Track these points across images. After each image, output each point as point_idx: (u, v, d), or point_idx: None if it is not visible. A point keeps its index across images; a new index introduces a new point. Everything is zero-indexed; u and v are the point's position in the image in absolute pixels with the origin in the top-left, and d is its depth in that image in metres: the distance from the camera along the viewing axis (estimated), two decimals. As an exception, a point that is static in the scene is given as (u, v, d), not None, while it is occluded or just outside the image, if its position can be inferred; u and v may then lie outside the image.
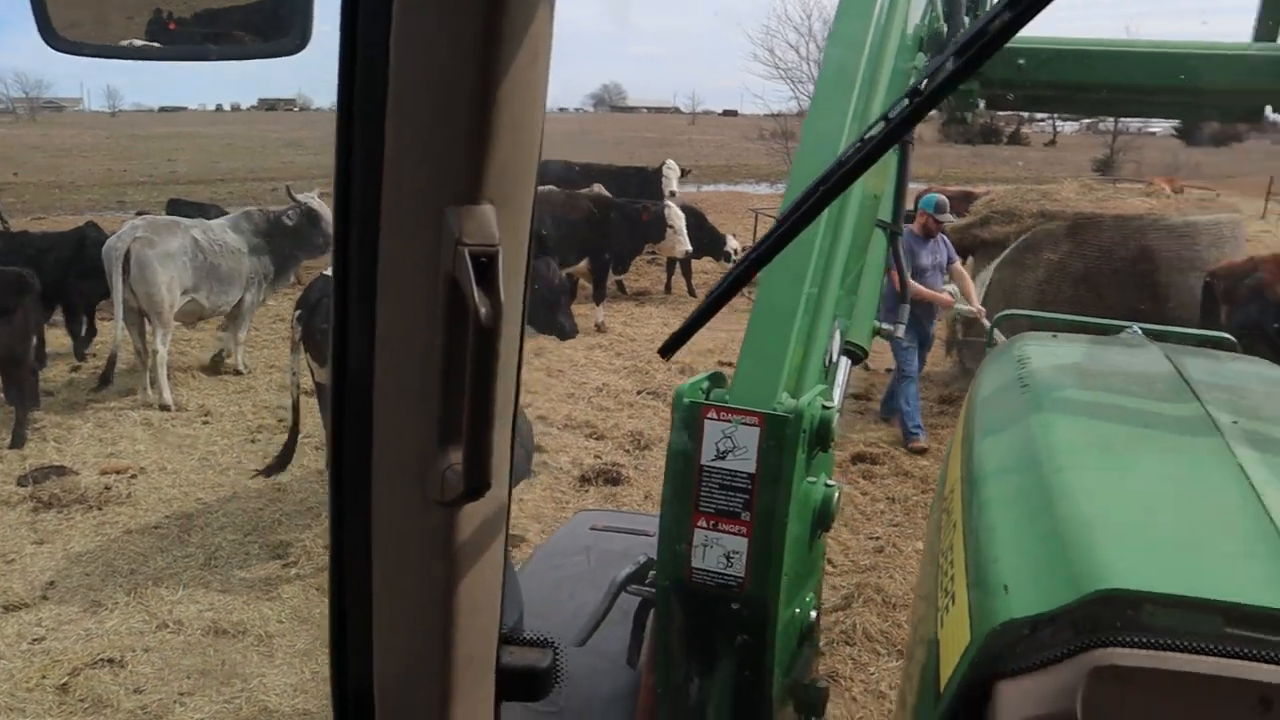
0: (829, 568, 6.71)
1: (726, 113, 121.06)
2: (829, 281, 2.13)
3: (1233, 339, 4.73)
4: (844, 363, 2.57)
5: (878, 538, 7.19)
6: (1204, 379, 2.71)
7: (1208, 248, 10.16)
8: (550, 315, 8.31)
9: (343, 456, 0.98)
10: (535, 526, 7.16)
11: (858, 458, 8.64)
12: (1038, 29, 5.12)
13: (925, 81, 1.24)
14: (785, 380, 1.91)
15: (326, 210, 13.27)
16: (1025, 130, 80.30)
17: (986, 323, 7.89)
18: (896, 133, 1.29)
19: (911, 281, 8.09)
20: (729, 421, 1.82)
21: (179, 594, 6.14)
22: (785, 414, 1.82)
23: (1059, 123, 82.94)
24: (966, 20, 4.32)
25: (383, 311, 0.91)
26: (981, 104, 5.11)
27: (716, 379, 1.95)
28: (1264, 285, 8.55)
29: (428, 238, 0.87)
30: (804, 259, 2.04)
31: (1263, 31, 5.00)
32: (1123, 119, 49.28)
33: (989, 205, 11.15)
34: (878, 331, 2.75)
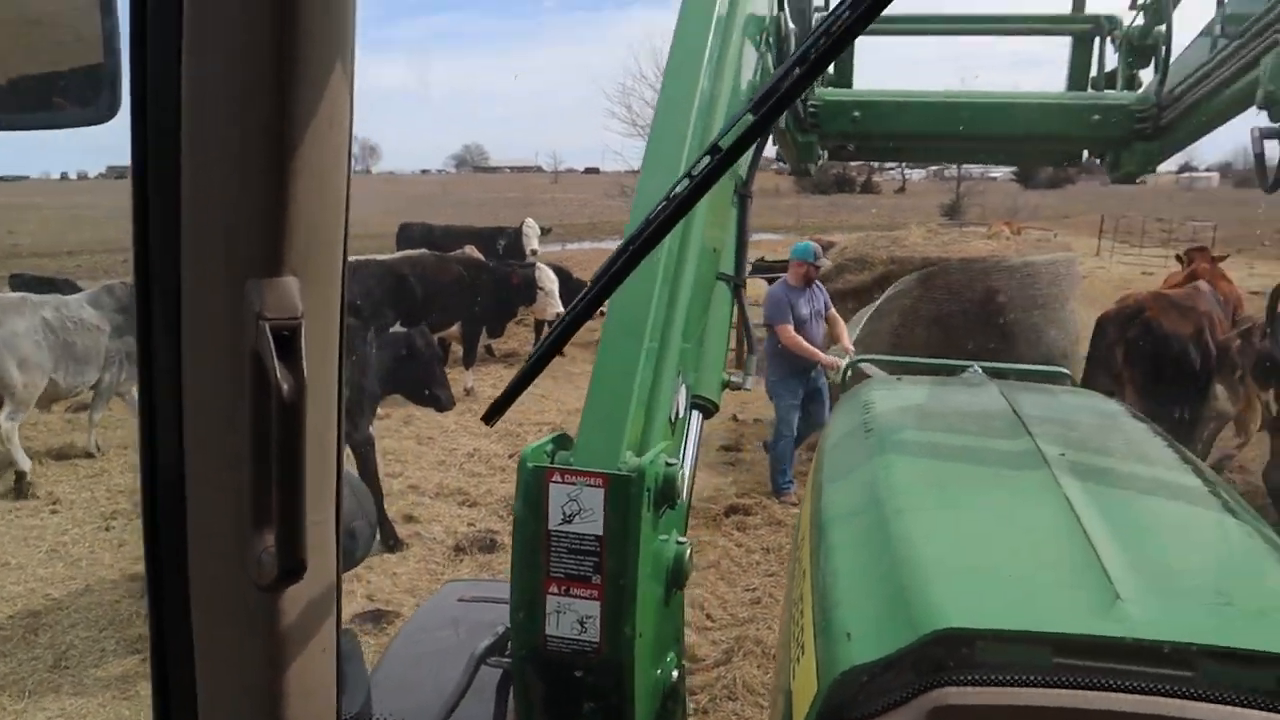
0: (708, 622, 6.73)
1: (589, 170, 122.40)
2: (670, 337, 2.16)
3: (1067, 372, 5.00)
4: (694, 417, 2.61)
5: (754, 589, 7.24)
6: (1036, 414, 2.85)
7: (1047, 286, 10.71)
8: (426, 387, 8.12)
9: (158, 541, 0.95)
10: (409, 601, 6.98)
11: (731, 510, 8.71)
12: (873, 82, 5.36)
13: (724, 138, 1.30)
14: (628, 439, 1.92)
15: None
16: (876, 179, 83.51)
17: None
18: (700, 189, 1.34)
19: (796, 337, 8.28)
20: (574, 484, 1.82)
21: (23, 703, 5.76)
22: (629, 473, 1.82)
23: (907, 170, 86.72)
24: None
25: (188, 389, 0.89)
26: (824, 156, 5.32)
27: (562, 441, 1.95)
28: (1151, 322, 8.90)
29: (229, 312, 0.85)
30: (641, 317, 2.07)
31: (1073, 82, 5.37)
32: (965, 165, 51.81)
33: (842, 254, 11.54)
34: (727, 384, 2.80)
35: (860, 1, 1.13)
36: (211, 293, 0.86)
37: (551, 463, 1.89)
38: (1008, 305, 10.27)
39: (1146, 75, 4.81)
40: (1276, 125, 2.73)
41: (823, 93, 4.78)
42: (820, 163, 5.11)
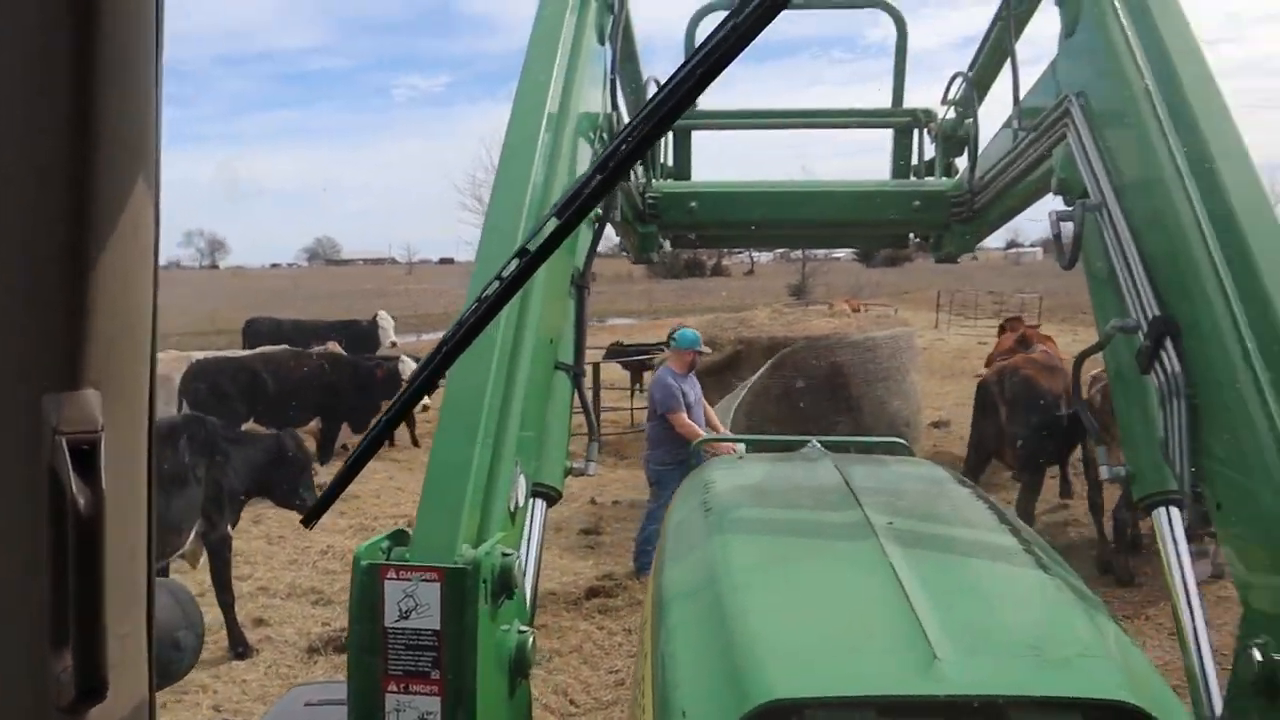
0: (571, 708, 6.64)
1: (443, 261, 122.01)
2: (506, 427, 2.18)
3: (903, 442, 5.22)
4: (537, 505, 2.64)
5: (618, 670, 7.19)
6: (867, 485, 2.98)
7: (888, 359, 11.16)
8: (295, 490, 7.91)
9: None
10: (259, 709, 6.66)
11: (592, 592, 8.66)
12: (710, 168, 5.55)
13: (531, 241, 1.36)
14: (465, 531, 1.92)
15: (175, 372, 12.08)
16: (726, 262, 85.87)
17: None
18: (509, 291, 1.39)
19: (691, 424, 8.29)
20: (409, 579, 1.82)
21: None
22: (464, 565, 1.83)
23: (755, 254, 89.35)
24: (638, 168, 4.66)
25: None
26: (665, 245, 5.47)
27: (398, 537, 1.94)
28: (1029, 381, 9.37)
29: (25, 427, 0.83)
30: (475, 409, 2.09)
31: (896, 170, 5.71)
32: (809, 248, 53.80)
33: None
34: (570, 470, 2.84)
35: (654, 115, 1.21)
36: (7, 407, 0.85)
37: (387, 559, 1.88)
38: (852, 379, 10.65)
39: (962, 163, 5.12)
40: (1069, 209, 2.96)
41: (660, 185, 4.95)
42: (662, 250, 5.26)
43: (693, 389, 8.69)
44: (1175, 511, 2.55)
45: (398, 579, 1.81)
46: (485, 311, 1.41)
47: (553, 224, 1.32)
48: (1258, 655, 1.99)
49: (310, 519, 1.58)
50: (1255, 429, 2.07)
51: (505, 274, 1.40)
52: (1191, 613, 2.40)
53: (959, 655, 1.73)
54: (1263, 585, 2.05)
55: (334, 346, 16.42)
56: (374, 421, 1.78)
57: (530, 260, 1.36)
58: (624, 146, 1.27)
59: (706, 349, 9.07)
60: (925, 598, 1.96)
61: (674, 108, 1.21)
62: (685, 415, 8.33)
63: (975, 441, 10.04)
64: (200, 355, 13.70)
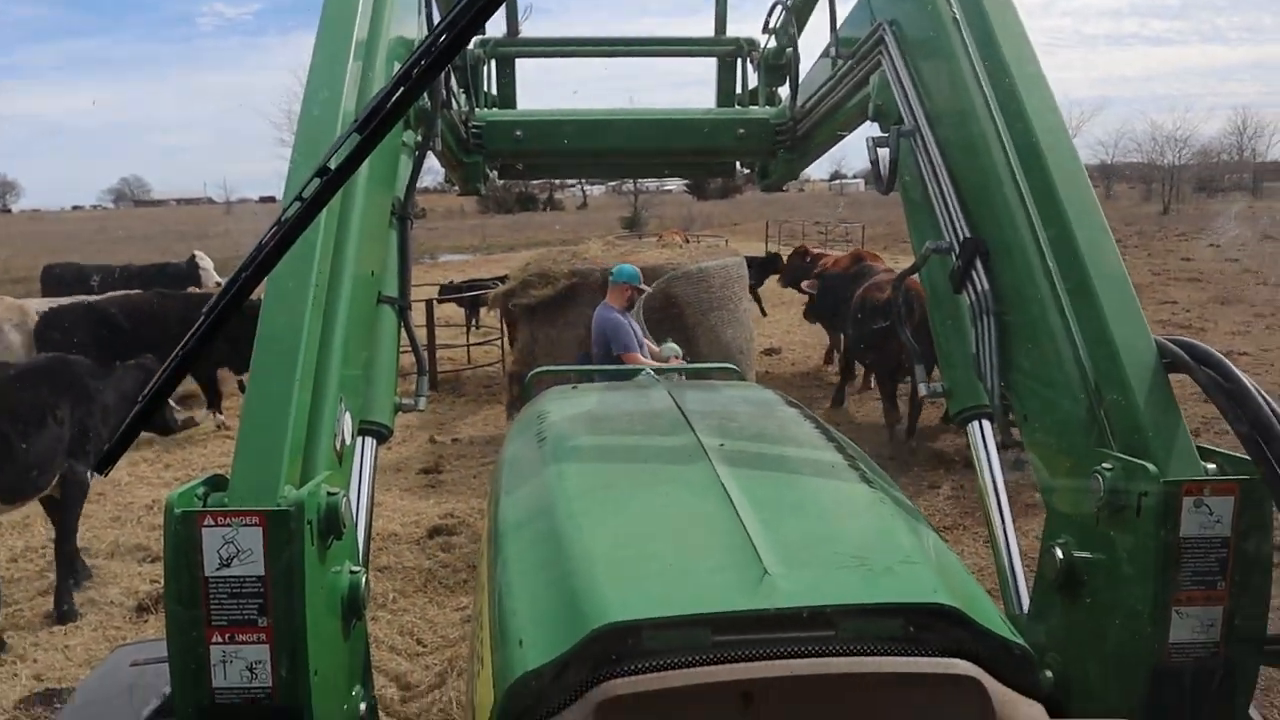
0: (419, 648, 6.60)
1: (264, 199, 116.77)
2: (327, 364, 2.10)
3: (735, 368, 5.34)
4: (367, 443, 2.57)
5: (464, 607, 7.19)
6: (698, 409, 3.02)
7: (720, 288, 11.32)
8: (160, 414, 7.35)
9: None
10: (86, 674, 6.36)
11: (434, 530, 8.60)
12: (539, 102, 5.46)
13: (333, 158, 1.29)
14: (287, 472, 1.85)
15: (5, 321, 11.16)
16: (560, 195, 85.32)
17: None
18: (311, 211, 1.32)
19: (639, 356, 8.06)
20: (228, 525, 1.73)
21: None
22: (287, 507, 1.76)
23: (589, 186, 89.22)
24: (460, 95, 4.54)
25: None
26: (494, 176, 5.36)
27: (215, 482, 1.85)
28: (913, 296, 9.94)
29: None
30: (291, 346, 2.00)
31: (721, 99, 5.73)
32: (642, 180, 53.94)
33: (525, 270, 11.66)
34: (399, 407, 2.77)
35: (456, 23, 1.16)
36: None
37: (204, 505, 1.79)
38: (686, 309, 10.77)
39: (784, 93, 5.17)
40: (885, 134, 3.03)
41: (484, 114, 4.83)
42: (488, 182, 5.15)
43: (636, 327, 8.38)
44: (987, 424, 2.69)
45: (216, 525, 1.73)
46: (285, 234, 1.34)
47: (355, 140, 1.26)
48: (1059, 554, 2.13)
49: (103, 465, 1.48)
50: (1056, 342, 2.19)
51: (306, 194, 1.32)
52: (1002, 518, 2.55)
53: (788, 569, 1.78)
54: (1064, 489, 2.19)
55: (203, 262, 15.52)
56: (167, 362, 1.67)
57: (332, 178, 1.30)
58: (425, 58, 1.21)
59: (645, 287, 8.76)
60: (756, 516, 2.00)
61: (477, 13, 1.16)
62: (639, 354, 7.94)
63: (861, 353, 11.45)
64: (41, 304, 12.76)
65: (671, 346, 8.30)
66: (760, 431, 2.97)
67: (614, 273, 8.52)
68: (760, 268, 16.80)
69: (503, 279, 15.46)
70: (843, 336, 13.34)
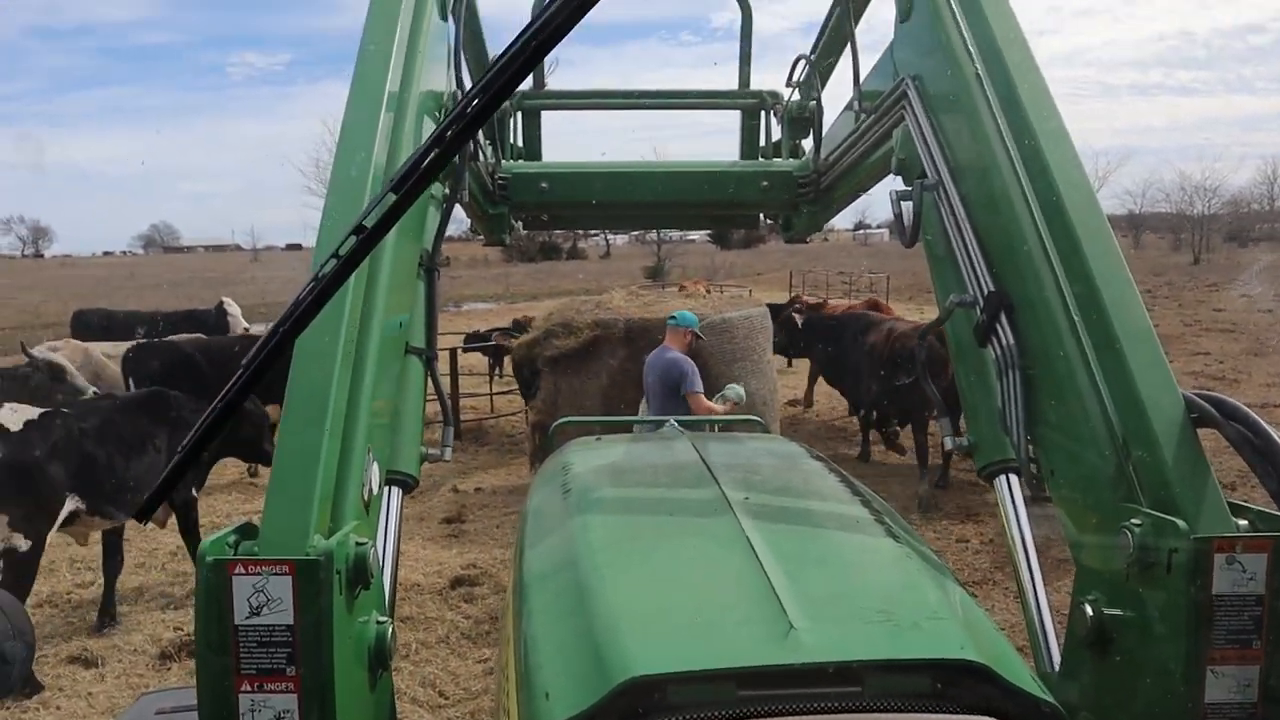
0: (441, 700, 6.57)
1: (290, 246, 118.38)
2: (355, 414, 2.13)
3: (759, 419, 5.34)
4: (393, 493, 2.59)
5: (486, 659, 7.16)
6: (724, 462, 3.03)
7: (744, 339, 11.32)
8: (260, 444, 8.73)
9: None
10: (109, 721, 6.36)
11: (457, 581, 8.58)
12: (564, 152, 5.53)
13: (368, 217, 1.33)
14: (316, 521, 1.87)
15: (70, 362, 11.54)
16: (583, 245, 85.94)
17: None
18: (346, 269, 1.35)
19: (712, 405, 8.16)
20: (259, 574, 1.75)
21: None
22: (317, 557, 1.78)
23: (612, 236, 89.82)
24: (487, 148, 4.62)
25: None
26: (518, 226, 5.43)
27: (246, 531, 1.87)
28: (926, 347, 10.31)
29: None
30: (321, 397, 2.03)
31: (745, 151, 5.79)
32: (665, 230, 54.18)
33: (549, 320, 11.73)
34: (425, 457, 2.80)
35: (490, 86, 1.20)
36: None
37: (234, 554, 1.81)
38: (709, 359, 10.78)
39: (808, 145, 5.21)
40: (908, 189, 3.04)
41: (510, 166, 4.90)
42: (514, 232, 5.21)
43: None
44: (1014, 478, 2.68)
45: (246, 574, 1.75)
46: (322, 290, 1.37)
47: (390, 199, 1.29)
48: (1089, 611, 2.11)
49: (144, 514, 1.51)
50: (1082, 398, 2.19)
51: (342, 251, 1.36)
52: (1031, 573, 2.53)
53: (814, 623, 1.78)
54: (1093, 545, 2.18)
55: (231, 309, 15.68)
56: (206, 412, 1.70)
57: (367, 237, 1.33)
58: (460, 121, 1.25)
59: (702, 335, 8.93)
60: (781, 569, 2.00)
61: (511, 78, 1.20)
62: (704, 397, 8.15)
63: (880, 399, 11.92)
64: (105, 346, 13.12)
65: (736, 389, 8.50)
66: (785, 484, 2.97)
67: (675, 317, 8.65)
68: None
69: (514, 330, 15.66)
70: (840, 385, 14.13)
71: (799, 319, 14.76)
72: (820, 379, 15.63)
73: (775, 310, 16.72)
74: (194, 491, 8.25)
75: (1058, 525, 2.38)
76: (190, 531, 8.23)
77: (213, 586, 1.76)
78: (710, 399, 8.23)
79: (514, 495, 11.09)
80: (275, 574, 1.75)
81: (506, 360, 17.33)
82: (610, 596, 1.93)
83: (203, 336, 13.90)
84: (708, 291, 15.56)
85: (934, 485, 11.08)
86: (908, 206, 3.01)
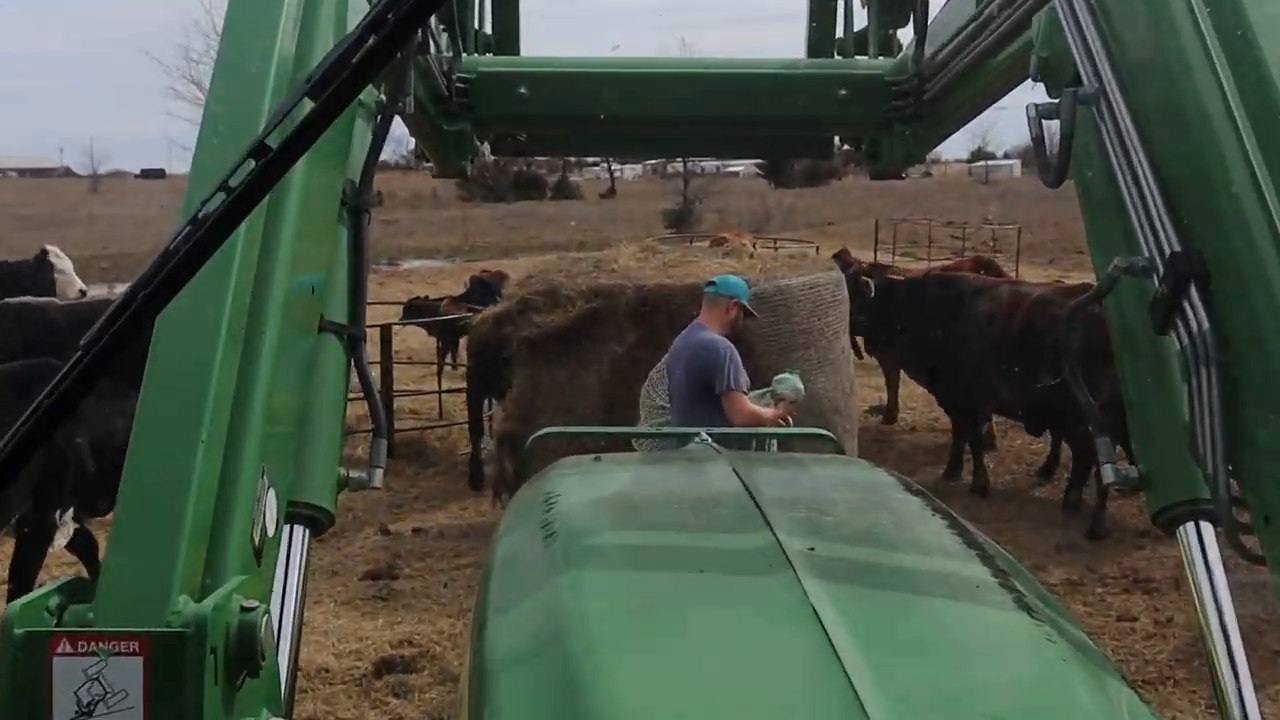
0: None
1: (147, 173, 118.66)
2: (243, 421, 2.12)
3: (829, 434, 5.30)
4: (297, 535, 2.59)
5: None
6: (777, 495, 3.03)
7: (808, 317, 11.27)
8: None
9: None
10: None
11: (385, 666, 8.59)
12: (549, 47, 5.52)
13: (272, 134, 1.32)
14: (182, 577, 1.86)
15: None
16: (575, 179, 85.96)
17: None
18: (239, 209, 1.34)
19: (756, 409, 8.10)
20: (94, 654, 1.73)
21: None
22: (181, 629, 1.77)
23: (617, 167, 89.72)
24: (442, 36, 4.60)
25: None
26: (485, 150, 5.42)
27: (74, 590, 1.85)
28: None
29: None
30: (194, 396, 2.01)
31: (814, 46, 5.75)
32: (694, 159, 54.01)
33: (526, 286, 11.71)
34: (345, 483, 2.80)
35: None
36: None
37: (57, 623, 1.80)
38: (758, 346, 10.75)
39: (906, 37, 5.19)
40: (1054, 101, 3.03)
41: (474, 62, 4.88)
42: (478, 159, 5.21)
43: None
44: (1207, 528, 2.66)
45: (75, 654, 1.73)
46: (200, 240, 1.36)
47: (304, 109, 1.28)
48: None
49: None
50: None
51: (232, 183, 1.35)
52: (1234, 669, 2.50)
53: None
54: None
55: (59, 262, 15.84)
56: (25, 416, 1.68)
57: (270, 162, 1.32)
58: None
59: (753, 311, 8.78)
60: (862, 656, 2.00)
61: None
62: (747, 397, 8.07)
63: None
64: None
65: (791, 380, 8.40)
66: (867, 530, 2.97)
67: (715, 284, 8.59)
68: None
69: (474, 299, 15.59)
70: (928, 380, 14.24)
71: (870, 285, 14.51)
72: (904, 377, 15.73)
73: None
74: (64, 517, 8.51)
75: (1274, 600, 2.34)
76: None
77: (23, 670, 1.73)
78: (756, 398, 8.17)
79: (470, 540, 11.10)
80: (118, 654, 1.73)
81: (463, 343, 17.31)
82: (613, 692, 1.92)
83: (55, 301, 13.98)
84: (755, 248, 15.52)
85: (1086, 534, 11.09)
86: (1052, 127, 3.00)
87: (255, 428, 2.13)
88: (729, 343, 8.17)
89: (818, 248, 27.57)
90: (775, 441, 6.72)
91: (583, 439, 6.82)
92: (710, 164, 65.12)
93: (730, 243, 15.05)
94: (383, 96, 3.27)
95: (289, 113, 1.31)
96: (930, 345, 13.52)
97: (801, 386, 8.41)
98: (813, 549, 2.55)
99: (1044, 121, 3.00)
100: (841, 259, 16.79)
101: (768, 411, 8.12)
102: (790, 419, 8.44)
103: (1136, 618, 9.45)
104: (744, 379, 8.04)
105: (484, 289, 17.23)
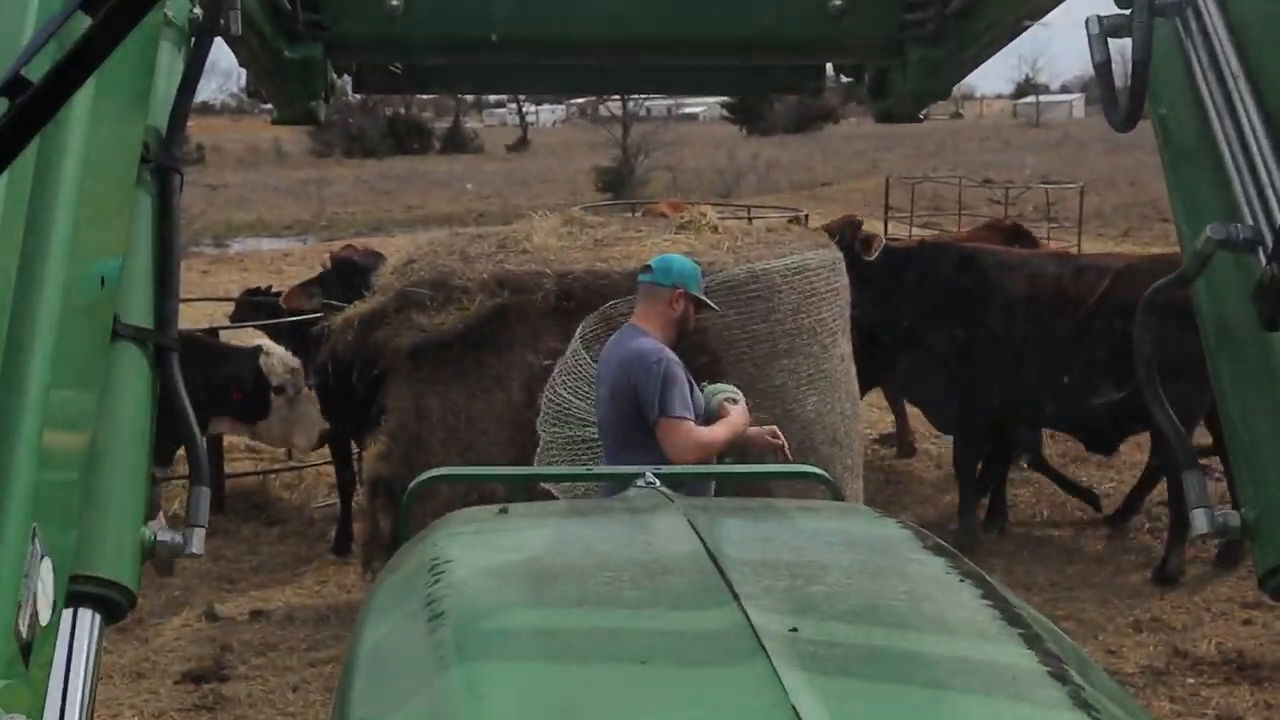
0: None
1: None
2: (7, 466, 2.11)
3: (821, 471, 5.30)
4: (83, 620, 2.57)
5: None
6: (750, 557, 3.04)
7: (794, 313, 11.26)
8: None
9: None
10: None
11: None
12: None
13: (29, 62, 1.32)
14: None
15: None
16: (473, 126, 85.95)
17: None
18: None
19: (702, 437, 7.94)
20: None
21: None
22: None
23: (531, 105, 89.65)
24: None
25: None
26: (343, 85, 5.42)
27: None
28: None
29: None
30: None
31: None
32: (635, 96, 53.97)
33: (406, 274, 11.64)
34: (152, 549, 2.78)
35: None
36: None
37: None
38: (722, 355, 10.78)
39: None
40: (1124, 13, 3.05)
41: None
42: (334, 99, 5.21)
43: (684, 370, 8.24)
44: None
45: None
46: None
47: (79, 28, 1.28)
48: None
49: None
50: None
51: None
52: None
53: None
54: None
55: None
56: None
57: (30, 104, 1.31)
58: None
59: (709, 302, 8.73)
60: None
61: None
62: (692, 423, 7.90)
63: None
64: None
65: (723, 388, 8.44)
66: (871, 603, 2.99)
67: (651, 269, 8.38)
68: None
69: (328, 290, 15.50)
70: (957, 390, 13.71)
71: (872, 250, 13.99)
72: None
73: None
74: None
75: None
76: None
77: None
78: (705, 413, 8.05)
79: (330, 626, 11.08)
80: None
81: (318, 353, 17.23)
82: None
83: None
84: (715, 221, 15.42)
85: (1153, 577, 11.40)
86: (1124, 49, 3.02)
87: (21, 474, 2.13)
88: (666, 351, 8.01)
89: (807, 216, 27.59)
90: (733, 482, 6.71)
91: (483, 483, 6.80)
92: (659, 103, 65.33)
93: (683, 212, 15.01)
94: (197, 10, 3.26)
95: (55, 32, 1.30)
96: (941, 343, 13.41)
97: (739, 396, 8.39)
98: (795, 630, 2.56)
99: (1111, 41, 3.02)
100: (843, 230, 15.92)
101: (721, 429, 7.98)
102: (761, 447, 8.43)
103: (1242, 718, 9.53)
104: (682, 401, 7.88)
105: (347, 275, 16.53)
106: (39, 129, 1.38)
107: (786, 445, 8.13)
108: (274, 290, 19.31)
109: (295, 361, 14.37)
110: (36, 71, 1.37)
